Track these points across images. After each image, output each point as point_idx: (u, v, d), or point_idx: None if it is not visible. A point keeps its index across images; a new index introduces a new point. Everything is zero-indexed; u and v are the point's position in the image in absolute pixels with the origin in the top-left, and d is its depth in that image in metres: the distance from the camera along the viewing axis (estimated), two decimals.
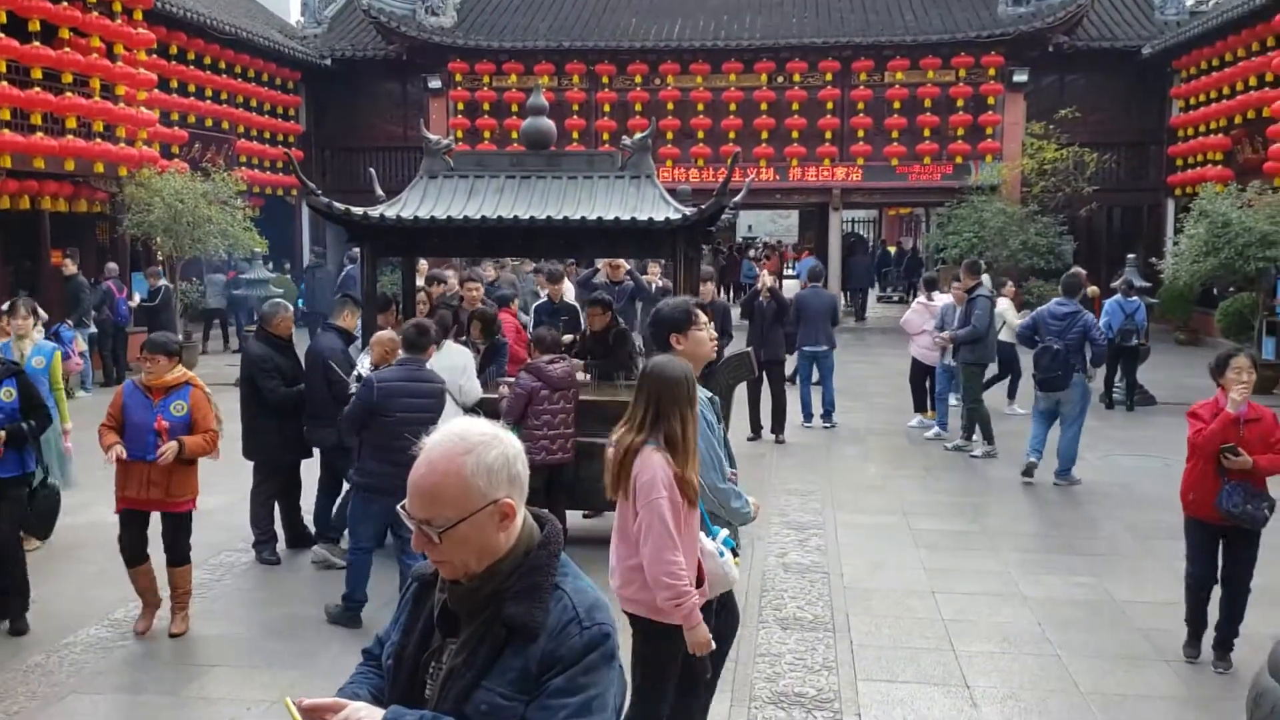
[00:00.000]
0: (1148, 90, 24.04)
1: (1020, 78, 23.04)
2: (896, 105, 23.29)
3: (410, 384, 6.16)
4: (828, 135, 23.59)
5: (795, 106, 23.46)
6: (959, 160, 23.17)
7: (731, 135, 23.51)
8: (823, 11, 24.67)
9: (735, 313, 12.92)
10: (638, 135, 7.82)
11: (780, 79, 23.64)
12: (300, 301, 19.32)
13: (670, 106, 23.71)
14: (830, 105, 23.47)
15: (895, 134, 23.33)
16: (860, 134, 23.47)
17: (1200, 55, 21.10)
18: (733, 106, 23.58)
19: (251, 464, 7.52)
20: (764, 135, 23.49)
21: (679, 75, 23.69)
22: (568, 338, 8.84)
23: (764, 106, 23.51)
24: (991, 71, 22.90)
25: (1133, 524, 8.50)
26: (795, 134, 23.49)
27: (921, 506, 8.99)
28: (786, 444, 11.45)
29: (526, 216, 7.15)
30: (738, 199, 8.33)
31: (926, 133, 23.21)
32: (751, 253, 35.22)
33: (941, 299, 11.85)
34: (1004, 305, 12.80)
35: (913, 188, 23.89)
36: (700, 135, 23.67)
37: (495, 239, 7.53)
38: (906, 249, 34.73)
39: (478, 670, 1.91)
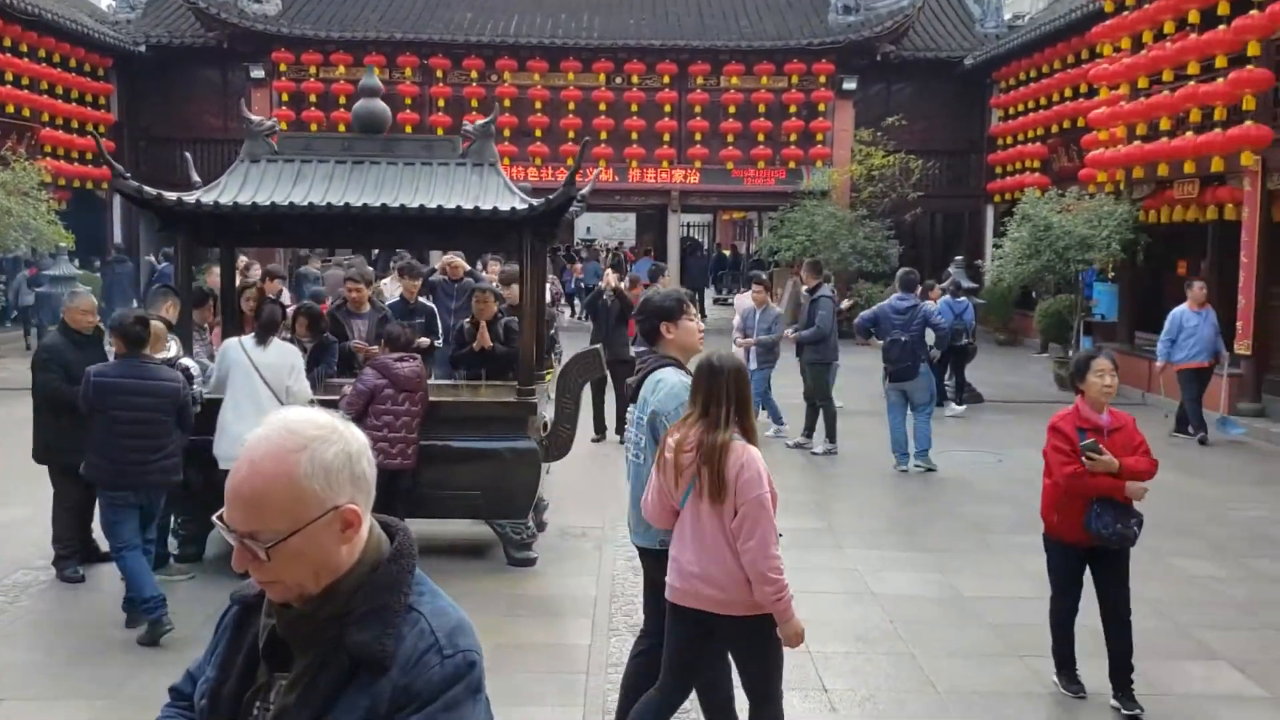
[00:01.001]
0: (969, 100, 24.97)
1: (850, 85, 23.56)
2: (732, 110, 23.48)
3: (129, 380, 5.80)
4: (666, 138, 23.60)
5: (634, 108, 23.38)
6: (792, 165, 23.52)
7: (570, 135, 23.23)
8: (660, 14, 24.69)
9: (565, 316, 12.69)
10: (480, 121, 7.46)
11: (618, 80, 23.52)
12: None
13: (507, 103, 23.24)
14: (668, 108, 23.49)
15: (731, 138, 23.53)
16: (698, 137, 23.58)
17: (1019, 67, 22.01)
18: (571, 105, 23.33)
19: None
20: (603, 136, 23.31)
21: (516, 72, 23.29)
22: (424, 341, 8.41)
23: (603, 107, 23.35)
24: (822, 79, 23.34)
25: (973, 519, 8.62)
26: (634, 135, 23.41)
27: (842, 509, 8.91)
28: None
29: (359, 204, 6.70)
30: (585, 191, 8.05)
31: (761, 138, 23.48)
32: (602, 254, 34.96)
33: (741, 301, 11.97)
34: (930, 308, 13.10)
35: (748, 191, 24.15)
36: (538, 134, 23.34)
37: (325, 228, 7.06)
38: (740, 253, 35.34)
39: (314, 710, 1.58)
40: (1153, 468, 4.99)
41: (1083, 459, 4.88)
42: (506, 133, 23.06)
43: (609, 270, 14.01)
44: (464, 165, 7.15)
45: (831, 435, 10.87)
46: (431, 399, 6.99)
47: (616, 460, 10.47)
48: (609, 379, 11.20)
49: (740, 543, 3.61)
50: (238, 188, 6.99)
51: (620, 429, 11.29)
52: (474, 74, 23.33)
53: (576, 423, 7.40)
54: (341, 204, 6.72)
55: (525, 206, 6.81)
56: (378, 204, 6.69)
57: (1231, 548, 7.97)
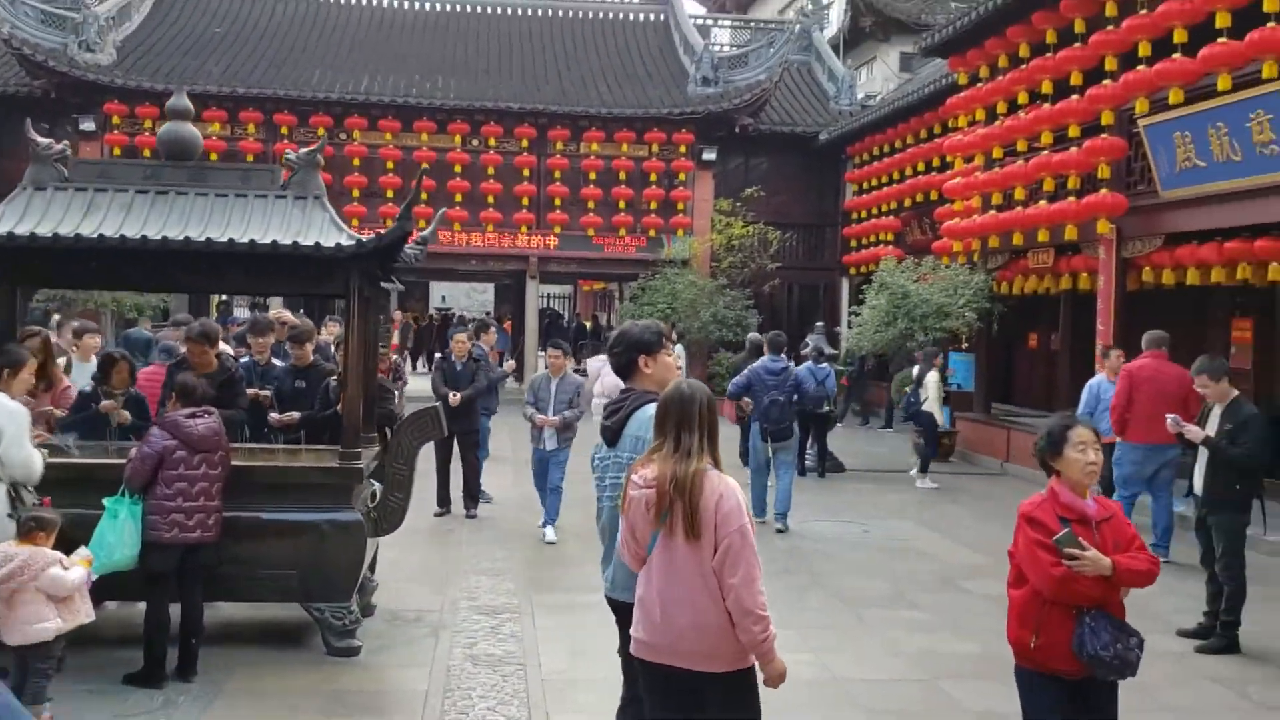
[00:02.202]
0: (825, 174, 25.26)
1: (709, 156, 23.50)
2: (593, 176, 23.10)
3: None
4: (524, 202, 23.03)
5: (490, 171, 22.77)
6: (653, 233, 23.22)
7: (424, 197, 22.40)
8: (518, 78, 24.28)
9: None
10: (303, 150, 6.67)
11: (475, 142, 22.89)
12: None
13: (356, 163, 22.41)
14: (527, 172, 22.97)
15: (592, 205, 23.10)
16: (557, 203, 23.08)
17: (872, 141, 22.30)
18: (425, 166, 22.46)
19: None
20: (458, 199, 22.59)
21: (366, 131, 22.43)
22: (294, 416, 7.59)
23: (458, 169, 22.66)
24: (683, 148, 23.20)
25: (844, 593, 8.05)
26: (491, 199, 22.76)
27: None
28: (478, 518, 10.38)
29: (158, 237, 5.81)
30: (427, 233, 7.32)
31: (622, 205, 23.14)
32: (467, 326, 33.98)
33: (593, 365, 11.39)
34: (932, 378, 13.47)
35: (609, 258, 23.68)
36: (389, 194, 22.47)
37: (118, 265, 6.10)
38: (601, 323, 34.88)
39: None
40: (1154, 568, 3.85)
41: (1062, 557, 3.74)
42: (355, 193, 22.22)
43: (457, 338, 13.28)
44: (284, 198, 6.34)
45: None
46: (241, 463, 6.07)
47: (460, 534, 9.65)
48: (455, 447, 10.41)
49: (725, 579, 3.36)
50: (17, 217, 6.02)
51: (473, 499, 10.52)
52: (321, 131, 22.30)
53: (410, 491, 6.57)
54: (138, 237, 5.82)
55: (353, 243, 6.03)
56: (179, 237, 5.81)
57: None
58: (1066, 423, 3.93)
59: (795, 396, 10.59)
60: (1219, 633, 6.83)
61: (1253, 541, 8.34)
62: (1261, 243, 10.43)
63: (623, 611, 3.93)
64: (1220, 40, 9.90)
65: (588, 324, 34.59)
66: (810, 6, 28.67)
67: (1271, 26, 9.29)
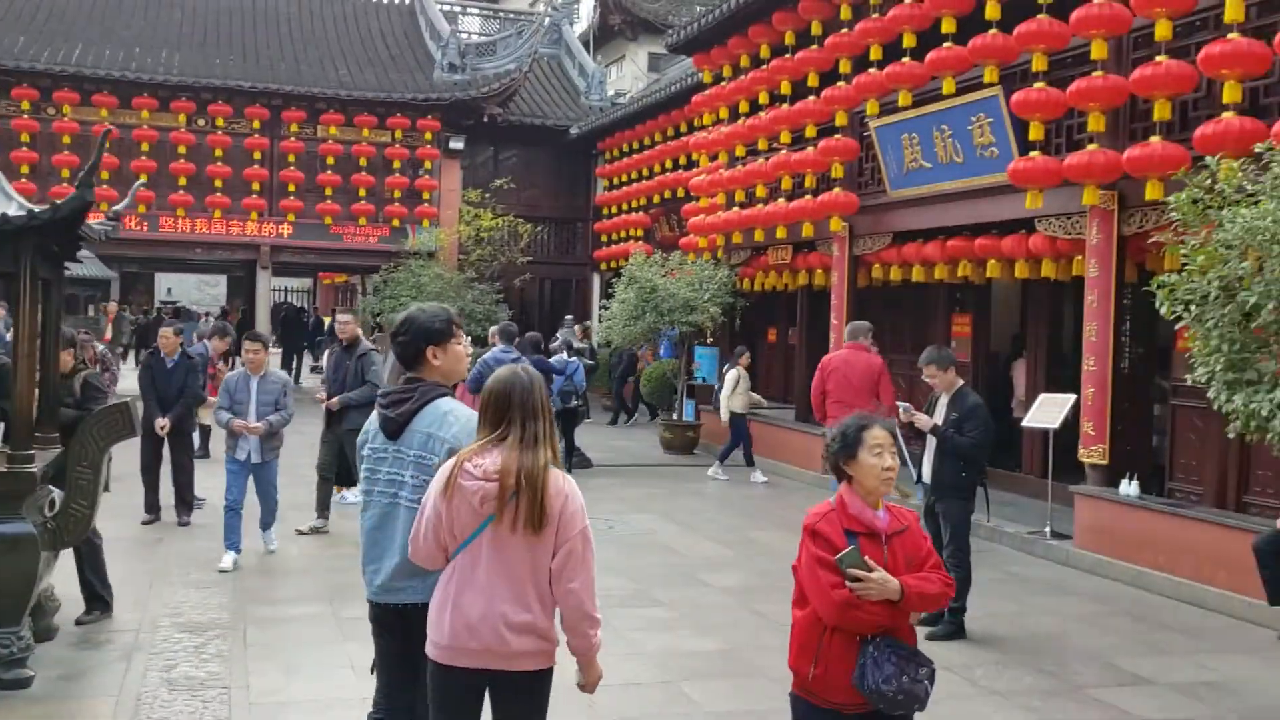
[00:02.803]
0: (576, 169, 25.19)
1: (456, 145, 22.91)
2: (331, 161, 22.02)
3: None
4: (255, 187, 21.66)
5: (218, 153, 21.27)
6: (396, 223, 22.39)
7: (143, 178, 20.66)
8: (250, 56, 22.85)
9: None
10: None
11: (201, 122, 21.35)
12: None
13: (66, 140, 20.44)
14: (258, 155, 21.61)
15: (329, 191, 22.02)
16: (292, 189, 21.84)
17: (622, 138, 22.34)
18: (145, 147, 20.84)
19: None
20: (182, 182, 21.03)
21: (78, 106, 20.49)
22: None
23: (182, 150, 21.05)
24: (428, 136, 22.50)
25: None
26: (218, 183, 21.27)
27: (351, 590, 7.61)
28: (191, 525, 9.48)
29: None
30: (121, 207, 6.50)
31: (362, 193, 22.17)
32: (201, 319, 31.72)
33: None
34: (731, 375, 13.26)
35: (349, 249, 22.66)
36: (105, 176, 20.54)
37: None
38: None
39: None
40: (948, 590, 3.42)
41: (845, 578, 3.26)
42: (65, 173, 20.21)
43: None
44: None
45: (324, 508, 9.47)
46: None
47: (170, 543, 8.76)
48: (166, 448, 9.49)
49: (564, 583, 3.23)
50: None
51: (186, 505, 9.57)
52: (25, 105, 20.27)
53: (97, 499, 5.78)
54: None
55: (23, 214, 5.22)
56: None
57: None
58: (862, 422, 3.45)
59: None
60: (946, 619, 6.98)
61: (974, 527, 8.67)
62: (981, 241, 10.94)
63: (389, 616, 3.66)
64: (946, 45, 10.29)
65: (326, 319, 33.17)
66: (560, 1, 28.53)
67: (993, 34, 9.72)
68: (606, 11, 28.27)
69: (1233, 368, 6.13)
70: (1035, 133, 9.41)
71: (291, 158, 21.82)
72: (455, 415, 3.59)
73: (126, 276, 31.51)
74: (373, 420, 3.72)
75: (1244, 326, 6.06)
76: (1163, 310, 6.54)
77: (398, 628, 3.63)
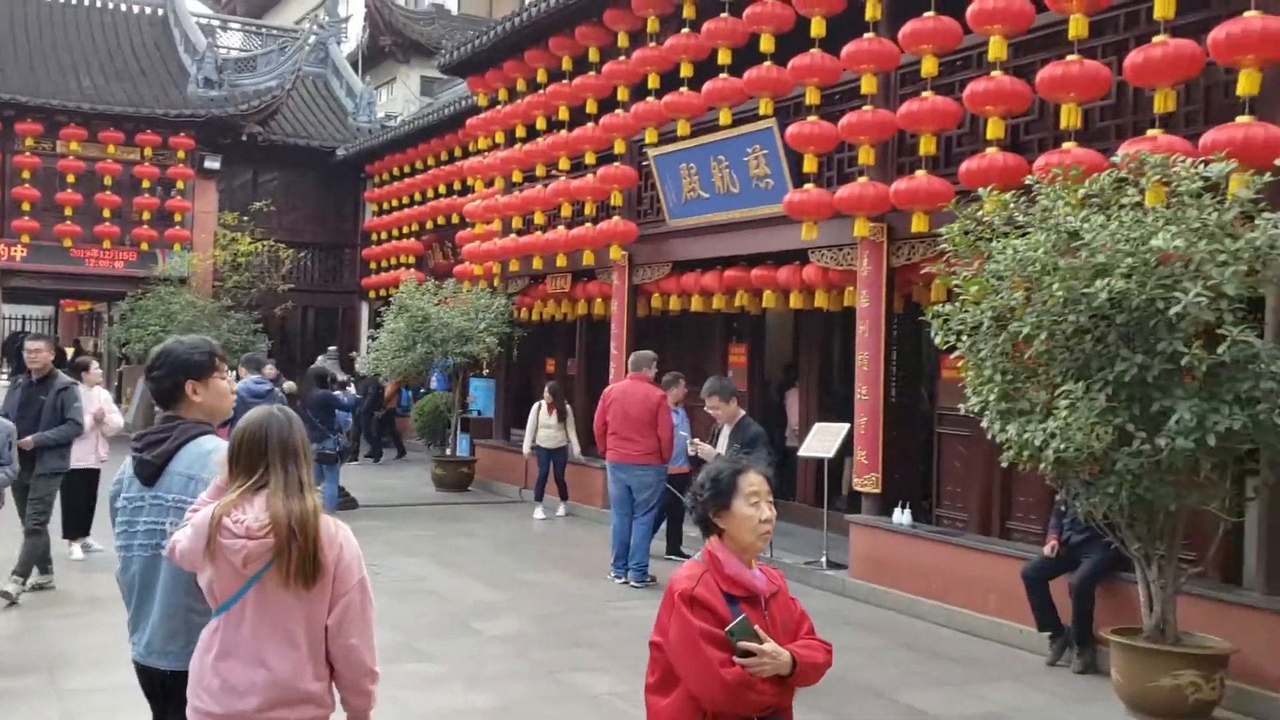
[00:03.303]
0: (343, 193, 24.17)
1: (212, 164, 21.52)
2: (71, 179, 20.22)
3: None
4: None
5: None
6: (144, 247, 20.75)
7: None
8: None
9: None
10: None
11: None
12: None
13: None
14: None
15: (69, 211, 20.21)
16: (26, 207, 19.91)
17: (393, 161, 21.55)
18: None
19: None
20: None
21: None
22: None
23: None
24: (181, 154, 21.01)
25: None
26: None
27: (81, 657, 6.71)
28: None
29: None
30: None
31: (107, 214, 20.44)
32: None
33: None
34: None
35: (91, 274, 20.81)
36: None
37: None
38: (87, 349, 30.96)
39: None
40: (829, 659, 3.00)
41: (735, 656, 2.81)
42: None
43: None
44: None
45: (25, 571, 8.02)
46: None
47: None
48: None
49: (343, 639, 2.97)
50: None
51: None
52: None
53: None
54: None
55: None
56: None
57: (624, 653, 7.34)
58: (737, 466, 2.97)
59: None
60: None
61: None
62: (757, 271, 10.97)
63: (153, 681, 3.36)
64: (722, 77, 10.27)
65: (69, 350, 30.58)
66: (327, 19, 27.45)
67: (767, 66, 9.74)
68: (377, 32, 27.36)
69: (1005, 397, 6.21)
70: (809, 165, 9.48)
71: (26, 174, 19.91)
72: (218, 455, 3.23)
73: None
74: (126, 466, 3.39)
75: (1016, 357, 6.15)
76: (937, 340, 6.58)
77: (159, 694, 3.36)
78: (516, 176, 14.48)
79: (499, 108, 14.75)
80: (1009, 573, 7.76)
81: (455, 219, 18.28)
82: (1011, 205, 6.23)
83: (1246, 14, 6.20)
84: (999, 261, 6.08)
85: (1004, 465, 6.38)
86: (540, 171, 13.96)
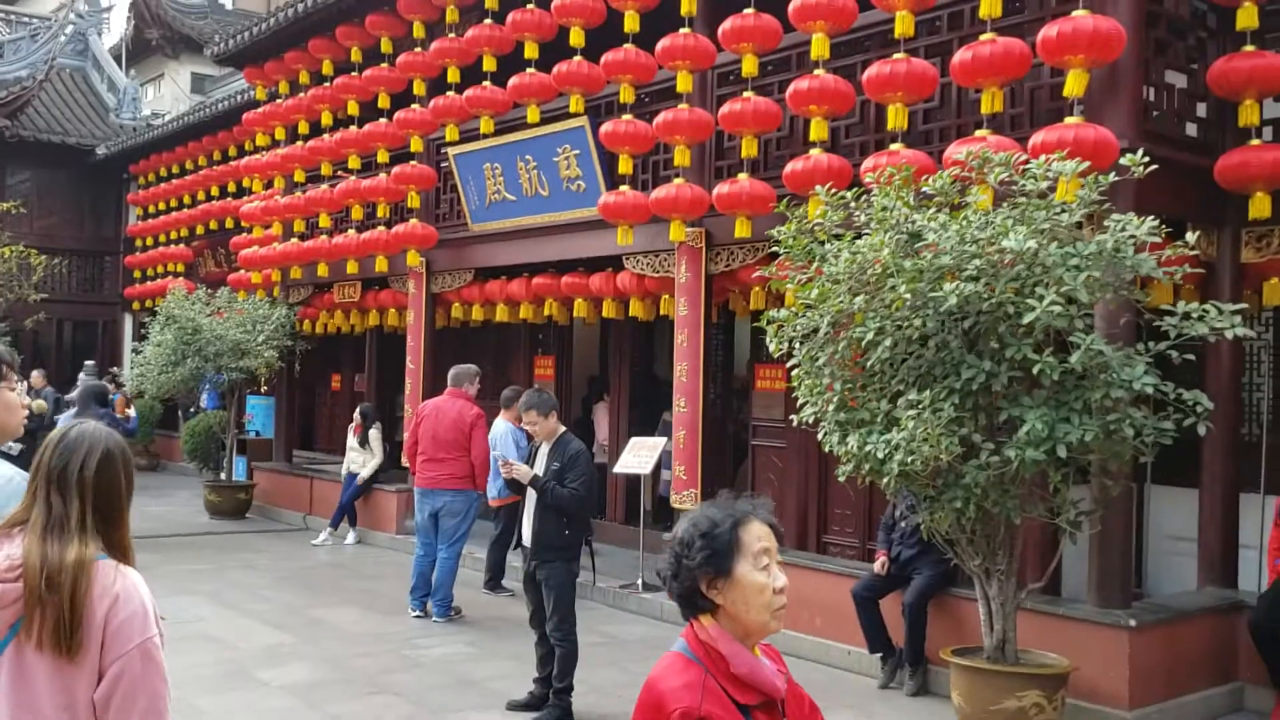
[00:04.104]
0: (104, 195, 22.18)
1: None
2: None
3: None
4: None
5: None
6: None
7: None
8: None
9: None
10: None
11: None
12: None
13: None
14: None
15: None
16: None
17: (160, 161, 19.82)
18: None
19: None
20: None
21: None
22: None
23: None
24: None
25: None
26: None
27: None
28: None
29: None
30: None
31: None
32: None
33: None
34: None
35: None
36: None
37: None
38: None
39: None
40: None
41: None
42: None
43: None
44: None
45: None
46: None
47: None
48: None
49: (117, 717, 2.26)
50: None
51: None
52: None
53: None
54: None
55: None
56: None
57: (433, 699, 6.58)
58: (735, 515, 2.13)
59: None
60: (553, 701, 6.12)
61: (583, 589, 7.96)
62: (568, 279, 10.37)
63: None
64: (530, 71, 9.65)
65: None
66: (85, 7, 25.19)
67: (578, 61, 9.19)
68: (143, 24, 25.29)
69: (844, 407, 5.84)
70: (624, 166, 8.98)
71: None
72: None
73: None
74: None
75: (856, 364, 5.80)
76: (771, 347, 6.17)
77: None
78: (299, 176, 13.40)
79: (279, 101, 13.63)
80: (836, 591, 7.45)
81: (230, 223, 16.93)
82: (853, 204, 5.89)
83: (1076, 13, 6.08)
84: (834, 264, 5.72)
85: (841, 479, 6.01)
86: (326, 171, 12.94)
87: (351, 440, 11.91)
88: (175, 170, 19.59)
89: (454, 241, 11.55)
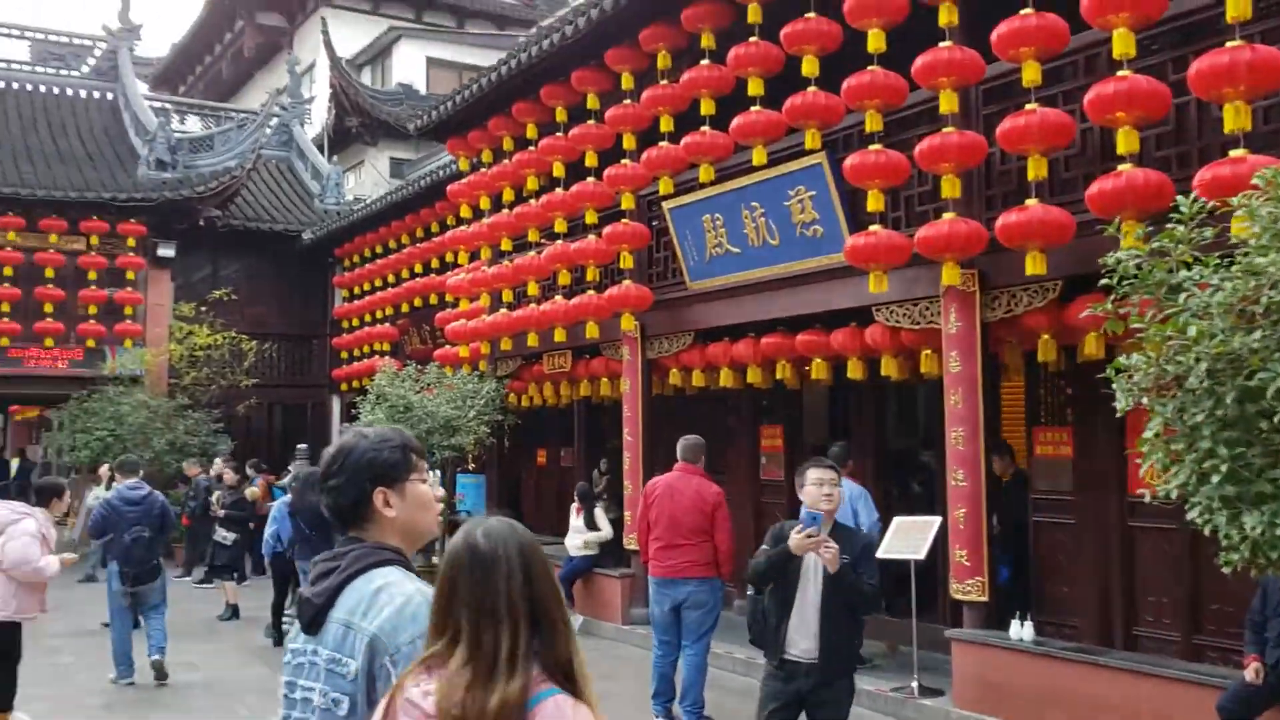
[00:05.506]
0: (311, 280, 22.49)
1: (166, 252, 19.76)
2: (9, 272, 18.43)
3: None
4: None
5: None
6: (91, 344, 18.89)
7: None
8: None
9: None
10: None
11: None
12: None
13: None
14: None
15: (6, 307, 18.37)
16: None
17: (363, 242, 19.94)
18: None
19: None
20: None
21: None
22: None
23: None
24: (131, 242, 19.27)
25: None
26: None
27: None
28: None
29: None
30: None
31: (49, 308, 18.60)
32: None
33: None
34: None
35: (31, 375, 18.87)
36: None
37: None
38: (33, 458, 28.78)
39: None
40: None
41: None
42: None
43: None
44: None
45: None
46: None
47: None
48: None
49: None
50: None
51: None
52: None
53: None
54: None
55: None
56: None
57: None
58: None
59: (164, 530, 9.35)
60: None
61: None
62: (804, 337, 9.27)
63: None
64: (755, 109, 8.71)
65: (14, 460, 28.40)
66: (289, 99, 26.02)
67: (813, 91, 8.21)
68: (343, 113, 25.91)
69: (1234, 478, 4.51)
70: (874, 203, 7.85)
71: None
72: (390, 592, 2.29)
73: None
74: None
75: (1248, 422, 4.47)
76: (1120, 404, 4.90)
77: None
78: (505, 244, 12.86)
79: (483, 170, 13.17)
80: (1190, 704, 6.00)
81: (433, 299, 16.68)
82: (1248, 203, 4.59)
83: None
84: (1203, 295, 4.44)
85: (1226, 569, 4.65)
86: (533, 236, 12.32)
87: (576, 521, 11.10)
88: (378, 250, 19.62)
89: (671, 302, 10.65)
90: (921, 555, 7.79)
